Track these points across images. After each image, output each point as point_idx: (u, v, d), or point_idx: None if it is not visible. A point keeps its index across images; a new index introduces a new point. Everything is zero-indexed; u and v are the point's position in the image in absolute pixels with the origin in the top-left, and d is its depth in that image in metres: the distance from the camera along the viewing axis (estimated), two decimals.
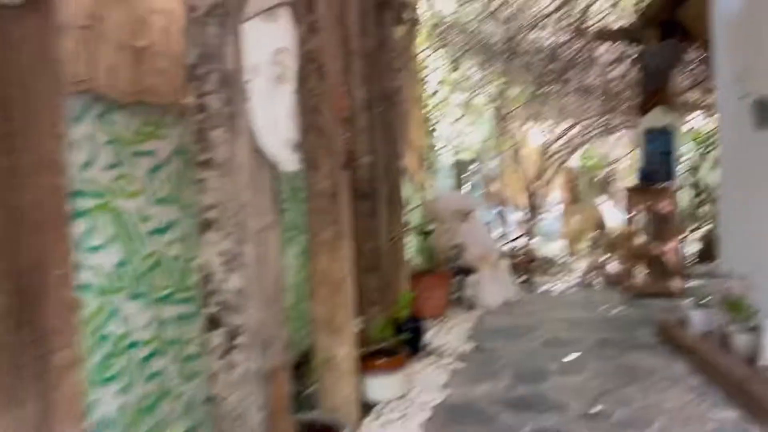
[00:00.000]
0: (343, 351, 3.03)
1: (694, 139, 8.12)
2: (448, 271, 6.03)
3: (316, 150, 3.01)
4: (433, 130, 5.71)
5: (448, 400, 3.67)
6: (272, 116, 1.99)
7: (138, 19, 2.47)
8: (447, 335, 5.19)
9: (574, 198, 13.58)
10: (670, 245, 6.42)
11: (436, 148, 7.22)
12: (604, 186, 13.15)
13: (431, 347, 4.80)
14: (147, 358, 2.54)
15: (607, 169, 11.81)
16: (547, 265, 9.43)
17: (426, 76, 8.85)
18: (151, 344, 2.56)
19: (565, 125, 9.42)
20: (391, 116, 5.10)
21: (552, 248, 11.77)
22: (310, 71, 2.96)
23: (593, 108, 9.10)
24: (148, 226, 2.59)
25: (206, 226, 1.93)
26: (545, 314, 6.04)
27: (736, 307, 3.93)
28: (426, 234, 6.54)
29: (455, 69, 7.81)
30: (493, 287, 6.42)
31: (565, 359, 4.43)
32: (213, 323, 1.94)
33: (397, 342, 3.80)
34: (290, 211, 4.11)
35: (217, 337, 1.93)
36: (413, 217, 6.87)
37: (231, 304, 1.92)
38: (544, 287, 7.66)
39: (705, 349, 3.91)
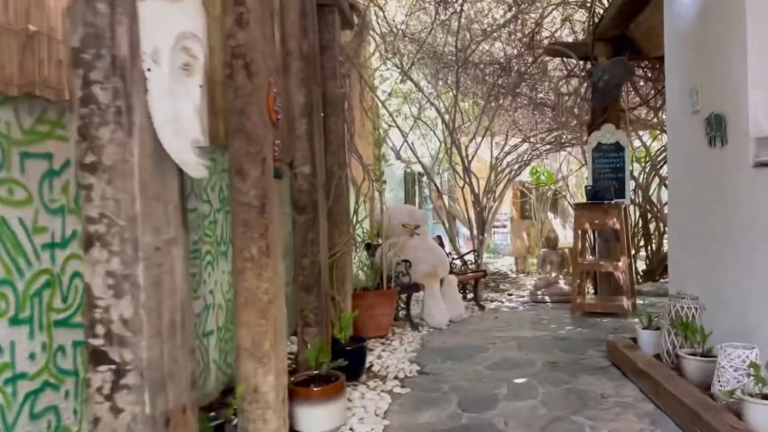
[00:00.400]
0: (270, 380, 2.71)
1: (643, 157, 8.13)
2: (395, 288, 5.77)
3: (243, 156, 2.70)
4: (382, 141, 5.47)
5: (387, 431, 3.38)
6: (176, 112, 1.69)
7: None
8: (390, 357, 4.91)
9: (524, 214, 13.58)
10: (619, 263, 6.33)
11: (385, 160, 7.00)
12: (553, 202, 13.19)
13: (373, 370, 4.52)
14: (34, 394, 2.18)
15: (557, 185, 11.85)
16: (497, 281, 9.29)
17: (376, 86, 8.64)
18: (39, 377, 2.20)
19: (515, 140, 9.33)
20: (334, 124, 4.83)
21: (502, 264, 11.69)
22: (236, 68, 2.66)
23: (544, 123, 9.06)
24: (40, 239, 2.24)
25: (90, 242, 1.61)
26: (494, 333, 5.83)
27: (687, 329, 3.79)
28: (372, 249, 6.28)
29: (405, 79, 7.61)
30: (441, 305, 6.19)
31: (514, 383, 4.21)
32: (96, 358, 1.61)
33: (335, 367, 3.50)
34: (225, 222, 3.78)
35: (99, 375, 1.60)
36: (360, 230, 6.59)
37: (118, 336, 1.60)
38: (494, 304, 7.49)
39: (657, 373, 3.75)
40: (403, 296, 6.14)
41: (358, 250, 5.96)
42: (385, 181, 5.70)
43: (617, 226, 6.34)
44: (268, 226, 2.72)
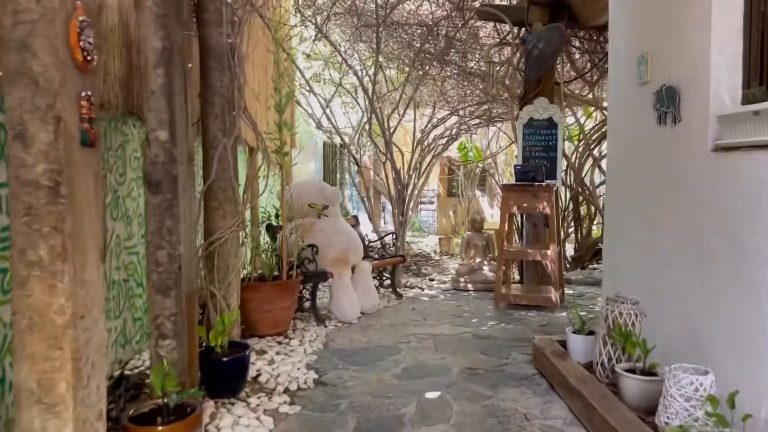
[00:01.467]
0: None
1: (576, 135, 7.61)
2: (297, 278, 4.99)
3: (25, 112, 1.83)
4: (286, 105, 4.62)
5: None
6: None
7: None
8: (285, 362, 4.15)
9: (451, 191, 13.04)
10: (548, 251, 5.78)
11: (289, 128, 6.15)
12: (481, 180, 12.69)
13: (260, 381, 3.75)
14: None
15: (486, 163, 11.31)
16: (419, 264, 8.68)
17: (292, 46, 7.72)
18: None
19: (443, 112, 8.66)
20: (218, 81, 3.95)
21: (426, 244, 11.10)
22: None
23: (474, 96, 8.41)
24: None
25: None
26: (409, 329, 5.17)
27: (627, 341, 3.20)
28: (274, 231, 5.45)
29: (321, 37, 6.72)
30: (352, 295, 5.47)
31: (425, 398, 3.55)
32: None
33: (192, 394, 2.70)
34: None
35: None
36: (262, 210, 5.75)
37: None
38: (413, 292, 6.84)
39: (590, 393, 3.15)
40: (309, 285, 5.38)
41: (250, 233, 5.12)
42: (287, 153, 4.87)
43: (547, 210, 5.78)
44: (66, 216, 1.87)
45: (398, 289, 6.57)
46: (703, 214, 2.98)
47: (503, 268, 6.03)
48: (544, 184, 5.84)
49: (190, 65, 3.37)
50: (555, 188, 6.03)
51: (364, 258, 6.40)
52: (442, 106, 8.46)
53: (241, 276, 4.84)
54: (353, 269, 5.69)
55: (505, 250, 5.93)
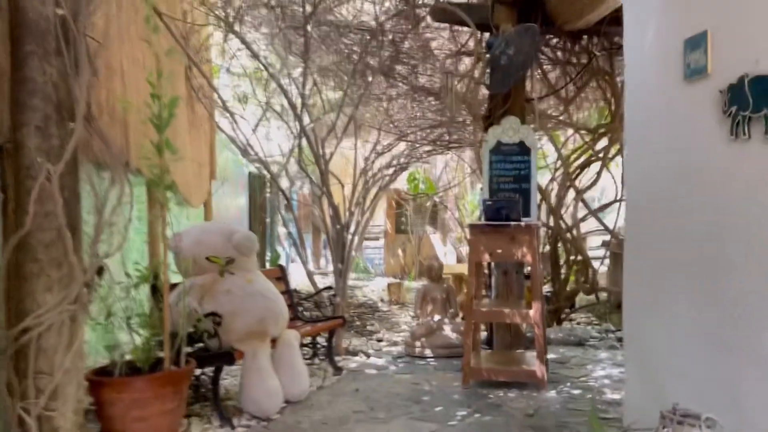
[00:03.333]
0: None
1: (550, 163, 6.41)
2: (188, 365, 3.49)
3: None
4: (167, 121, 3.23)
5: None
6: None
7: None
8: None
9: (399, 227, 11.72)
10: (531, 310, 4.46)
11: (174, 150, 4.73)
12: (432, 215, 11.44)
13: None
14: None
15: (439, 196, 10.07)
16: (364, 319, 7.24)
17: (204, 49, 6.31)
18: None
19: (390, 138, 7.35)
20: (38, 72, 2.49)
21: (372, 289, 9.68)
22: None
23: (426, 117, 7.15)
24: None
25: None
26: (351, 428, 3.72)
27: None
28: (157, 293, 3.90)
29: (229, 32, 5.30)
30: (270, 382, 3.98)
31: None
32: None
33: None
34: None
35: None
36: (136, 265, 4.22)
37: None
38: (357, 360, 5.39)
39: None
40: (210, 371, 3.87)
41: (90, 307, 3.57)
42: (170, 187, 3.40)
43: (528, 257, 4.47)
44: None
45: (337, 361, 5.11)
46: None
47: (471, 330, 4.66)
48: (523, 224, 4.55)
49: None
50: (537, 229, 4.75)
51: (292, 321, 4.94)
52: (388, 131, 7.15)
53: (103, 365, 3.34)
54: (274, 342, 4.22)
55: (476, 311, 4.58)
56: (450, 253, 11.49)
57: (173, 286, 3.85)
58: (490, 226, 4.59)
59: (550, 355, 5.30)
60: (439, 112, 6.85)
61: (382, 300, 8.54)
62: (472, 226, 4.75)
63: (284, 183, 7.75)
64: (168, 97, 3.37)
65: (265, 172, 6.47)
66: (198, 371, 3.97)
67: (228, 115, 6.38)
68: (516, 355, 5.11)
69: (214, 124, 7.57)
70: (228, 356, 3.82)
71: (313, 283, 6.07)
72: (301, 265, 6.80)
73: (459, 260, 10.76)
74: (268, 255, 8.89)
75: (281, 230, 10.75)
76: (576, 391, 4.38)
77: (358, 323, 6.96)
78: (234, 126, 6.31)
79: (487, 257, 4.64)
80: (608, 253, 7.34)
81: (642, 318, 2.94)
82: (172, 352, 3.43)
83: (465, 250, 11.24)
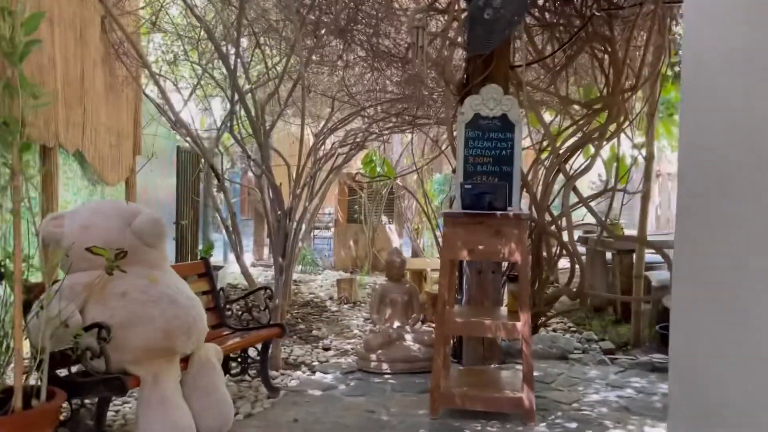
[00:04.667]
0: None
1: (539, 143, 5.49)
2: (55, 399, 2.45)
3: None
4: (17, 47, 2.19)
5: None
6: None
7: None
8: None
9: (352, 216, 10.73)
10: (519, 323, 3.56)
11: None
12: (389, 203, 10.48)
13: None
14: None
15: (398, 181, 9.11)
16: (309, 321, 6.25)
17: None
18: None
19: (343, 113, 6.35)
20: None
21: (320, 285, 8.67)
22: None
23: (387, 88, 6.17)
24: None
25: None
26: None
27: None
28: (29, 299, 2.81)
29: None
30: (178, 414, 2.96)
31: None
32: None
33: None
34: None
35: None
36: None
37: None
38: (297, 377, 4.41)
39: None
40: (94, 401, 2.83)
41: None
42: (28, 147, 2.33)
43: (517, 256, 3.56)
44: None
45: (273, 378, 4.12)
46: None
47: (441, 344, 3.74)
48: (511, 214, 3.64)
49: None
50: (527, 220, 3.86)
51: (216, 329, 3.92)
52: (343, 102, 6.14)
53: None
54: (186, 361, 3.19)
55: (449, 321, 3.65)
56: (405, 245, 10.58)
57: (36, 286, 2.77)
58: (469, 216, 3.66)
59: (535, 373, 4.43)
60: (402, 85, 5.89)
61: (331, 298, 7.54)
62: (447, 216, 3.80)
63: (224, 162, 6.69)
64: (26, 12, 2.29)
65: (196, 149, 5.37)
66: (77, 402, 2.92)
67: (155, 79, 5.27)
68: (493, 374, 4.24)
69: (141, 89, 6.44)
70: (117, 383, 2.79)
71: (249, 280, 5.04)
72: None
73: (415, 254, 9.85)
74: (200, 245, 7.77)
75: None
76: (571, 425, 3.52)
77: (302, 326, 5.97)
78: (161, 93, 5.20)
79: (465, 254, 3.71)
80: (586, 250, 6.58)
81: (697, 344, 2.08)
82: (27, 382, 2.38)
83: (422, 243, 10.33)
